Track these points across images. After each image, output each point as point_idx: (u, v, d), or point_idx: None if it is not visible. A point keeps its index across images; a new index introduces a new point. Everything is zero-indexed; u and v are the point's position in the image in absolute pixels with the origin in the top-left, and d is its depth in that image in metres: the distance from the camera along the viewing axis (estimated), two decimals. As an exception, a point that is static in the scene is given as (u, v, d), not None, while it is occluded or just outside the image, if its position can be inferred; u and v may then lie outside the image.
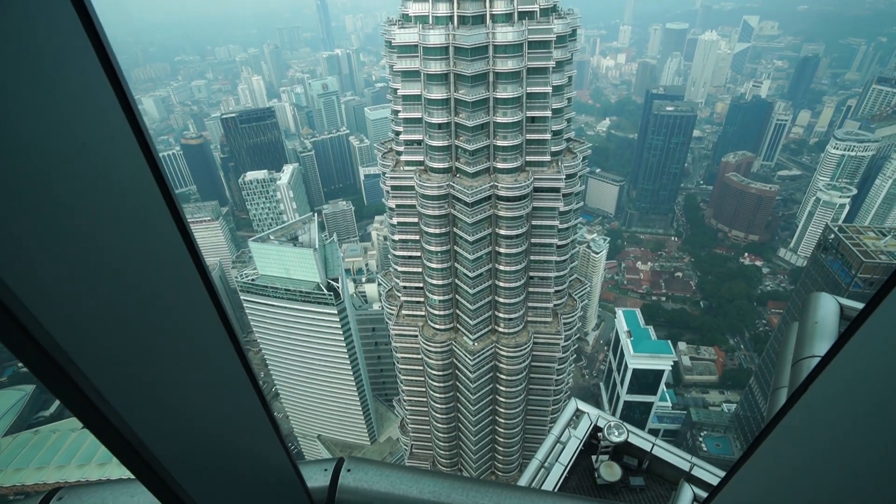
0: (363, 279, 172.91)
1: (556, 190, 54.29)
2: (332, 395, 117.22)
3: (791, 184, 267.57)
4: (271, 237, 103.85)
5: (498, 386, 66.40)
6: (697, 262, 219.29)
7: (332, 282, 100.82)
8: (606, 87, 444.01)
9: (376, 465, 3.06)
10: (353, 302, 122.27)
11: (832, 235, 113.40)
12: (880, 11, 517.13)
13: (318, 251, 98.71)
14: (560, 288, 62.36)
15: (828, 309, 7.14)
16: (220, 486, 1.79)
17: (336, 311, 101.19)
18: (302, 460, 3.02)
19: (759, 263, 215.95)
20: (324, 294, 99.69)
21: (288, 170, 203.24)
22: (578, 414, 15.95)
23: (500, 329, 62.51)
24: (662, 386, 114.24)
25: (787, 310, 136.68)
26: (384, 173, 57.41)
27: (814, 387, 1.51)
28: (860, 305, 6.93)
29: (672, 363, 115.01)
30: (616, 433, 13.89)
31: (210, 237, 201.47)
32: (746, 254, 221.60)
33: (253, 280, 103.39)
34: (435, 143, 52.58)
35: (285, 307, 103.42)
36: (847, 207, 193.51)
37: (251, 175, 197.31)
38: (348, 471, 3.03)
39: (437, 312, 62.31)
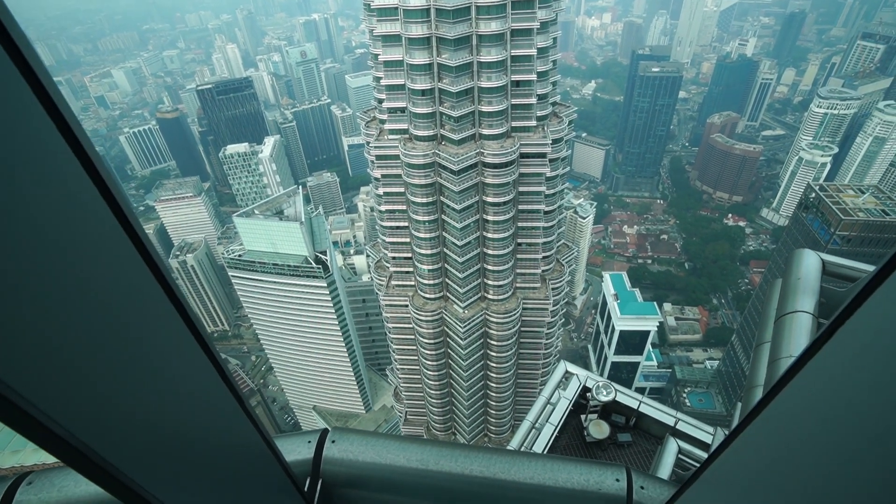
0: (351, 251, 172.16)
1: (543, 155, 53.82)
2: (326, 366, 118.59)
3: (775, 144, 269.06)
4: (256, 212, 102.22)
5: (489, 352, 67.64)
6: (683, 224, 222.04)
7: (320, 255, 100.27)
8: (592, 48, 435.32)
9: (362, 435, 3.01)
10: (342, 274, 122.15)
11: (813, 194, 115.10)
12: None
13: (305, 224, 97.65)
14: (548, 254, 62.76)
15: (810, 265, 7.19)
16: (171, 468, 1.68)
17: (325, 284, 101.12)
18: (285, 433, 2.94)
19: (742, 224, 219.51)
20: (312, 267, 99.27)
21: (269, 142, 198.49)
22: (567, 376, 16.29)
23: (490, 296, 63.14)
24: (648, 346, 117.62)
25: (768, 268, 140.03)
26: (368, 143, 56.23)
27: (825, 350, 1.45)
28: (843, 261, 6.96)
29: (657, 324, 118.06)
30: (604, 392, 14.24)
31: (193, 213, 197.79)
32: (730, 214, 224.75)
33: (240, 256, 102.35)
34: (419, 111, 51.42)
35: (274, 282, 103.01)
36: (828, 166, 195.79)
37: (232, 148, 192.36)
38: (333, 442, 2.97)
39: (426, 282, 62.56)
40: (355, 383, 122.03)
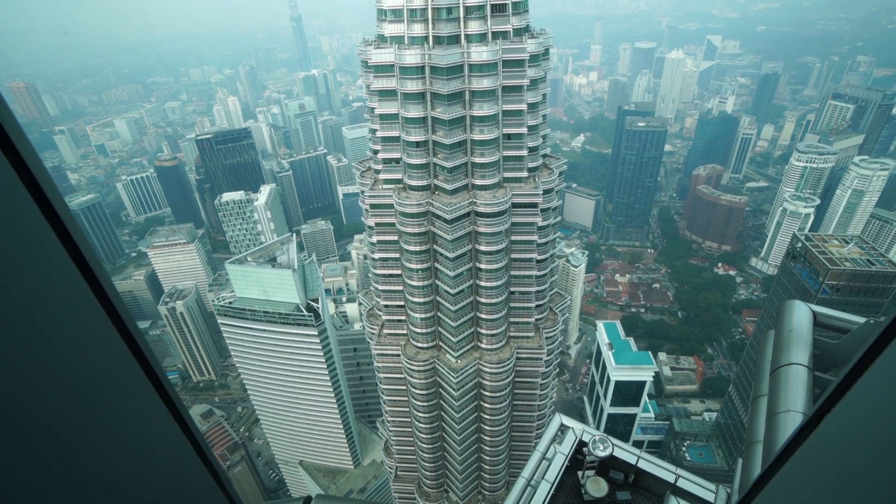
0: (344, 299, 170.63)
1: (534, 205, 54.85)
2: (314, 418, 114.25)
3: (759, 195, 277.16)
4: (249, 259, 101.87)
5: (482, 403, 65.72)
6: (674, 273, 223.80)
7: (311, 302, 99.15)
8: (580, 104, 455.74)
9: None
10: (333, 322, 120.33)
11: (799, 244, 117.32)
12: (830, 32, 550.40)
13: (297, 272, 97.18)
14: (541, 302, 62.54)
15: (801, 316, 7.22)
16: None
17: (316, 333, 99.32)
18: (267, 501, 2.76)
19: (732, 273, 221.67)
20: (304, 315, 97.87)
21: (265, 190, 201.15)
22: (563, 429, 15.78)
23: (483, 345, 62.16)
24: (644, 397, 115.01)
25: (760, 317, 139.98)
26: (363, 192, 57.16)
27: (838, 409, 1.41)
28: (834, 313, 7.01)
29: (653, 374, 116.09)
30: (601, 447, 13.75)
31: (185, 260, 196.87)
32: (720, 264, 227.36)
33: (230, 303, 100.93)
34: (413, 161, 52.74)
35: (264, 329, 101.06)
36: (812, 217, 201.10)
37: (227, 196, 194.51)
38: (317, 509, 2.80)
39: (419, 330, 61.68)
40: (344, 436, 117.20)
